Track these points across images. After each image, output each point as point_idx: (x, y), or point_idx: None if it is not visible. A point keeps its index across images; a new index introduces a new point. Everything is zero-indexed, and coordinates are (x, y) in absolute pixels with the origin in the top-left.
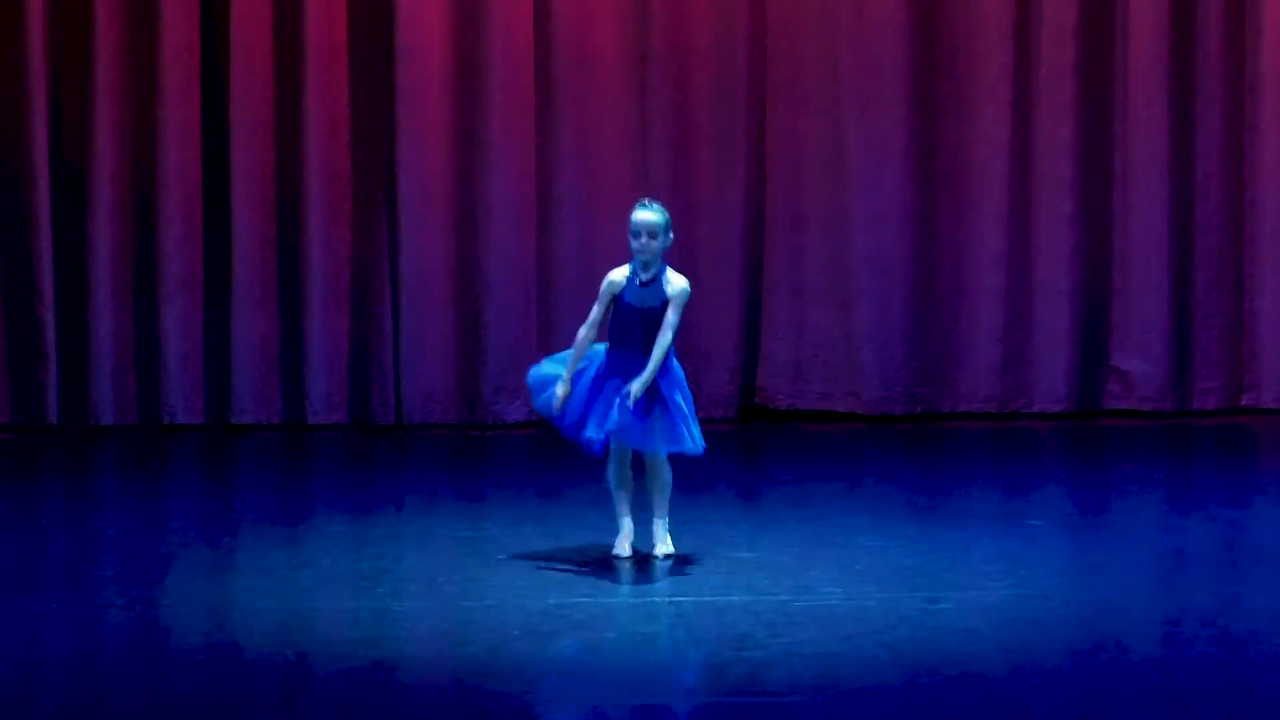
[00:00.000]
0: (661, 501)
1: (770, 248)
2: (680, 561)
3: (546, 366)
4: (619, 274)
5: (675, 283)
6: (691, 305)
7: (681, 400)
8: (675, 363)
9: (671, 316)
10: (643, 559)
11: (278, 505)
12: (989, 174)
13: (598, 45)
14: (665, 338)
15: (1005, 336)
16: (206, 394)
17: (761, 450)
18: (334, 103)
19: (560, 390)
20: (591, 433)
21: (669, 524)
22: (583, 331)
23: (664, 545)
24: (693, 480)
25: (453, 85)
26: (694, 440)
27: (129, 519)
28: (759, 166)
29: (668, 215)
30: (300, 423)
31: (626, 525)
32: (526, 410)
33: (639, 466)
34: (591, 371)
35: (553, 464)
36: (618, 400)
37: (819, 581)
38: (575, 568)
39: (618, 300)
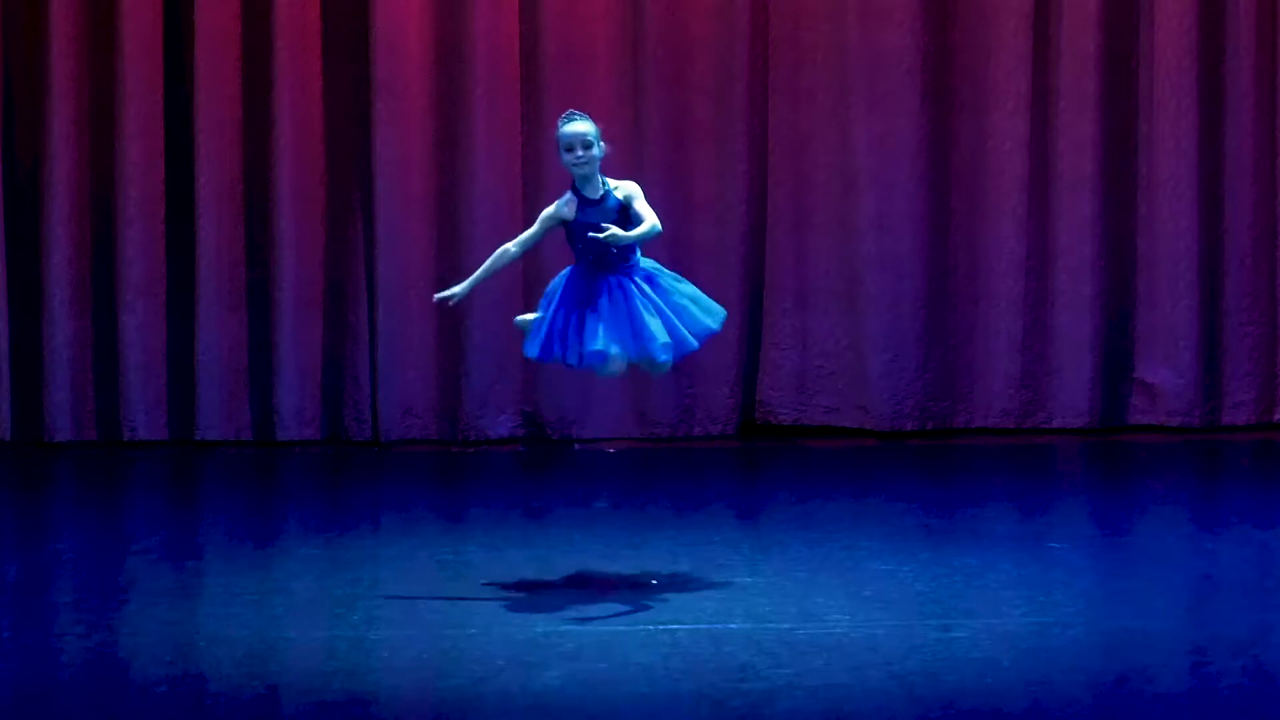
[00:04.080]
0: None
1: (772, 251)
2: (677, 587)
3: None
4: (558, 204)
5: (624, 185)
6: None
7: (669, 295)
8: (654, 264)
9: (644, 207)
10: (635, 584)
11: (246, 527)
12: (1006, 173)
13: (588, 34)
14: (651, 219)
15: (1024, 347)
16: (170, 408)
17: (763, 469)
18: (306, 95)
19: (456, 290)
20: (591, 353)
21: None
22: (511, 247)
23: None
24: (690, 500)
25: (434, 77)
26: (711, 319)
27: (87, 541)
28: (760, 164)
29: (594, 123)
30: (270, 439)
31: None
32: (512, 425)
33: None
34: (556, 303)
35: (539, 483)
36: (601, 319)
37: (825, 608)
38: (564, 594)
39: (574, 228)
